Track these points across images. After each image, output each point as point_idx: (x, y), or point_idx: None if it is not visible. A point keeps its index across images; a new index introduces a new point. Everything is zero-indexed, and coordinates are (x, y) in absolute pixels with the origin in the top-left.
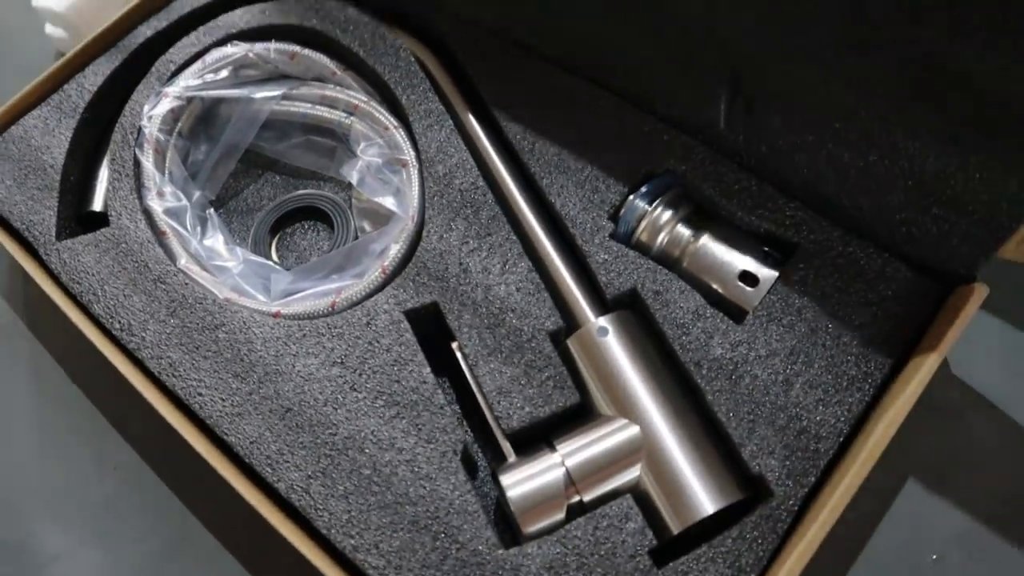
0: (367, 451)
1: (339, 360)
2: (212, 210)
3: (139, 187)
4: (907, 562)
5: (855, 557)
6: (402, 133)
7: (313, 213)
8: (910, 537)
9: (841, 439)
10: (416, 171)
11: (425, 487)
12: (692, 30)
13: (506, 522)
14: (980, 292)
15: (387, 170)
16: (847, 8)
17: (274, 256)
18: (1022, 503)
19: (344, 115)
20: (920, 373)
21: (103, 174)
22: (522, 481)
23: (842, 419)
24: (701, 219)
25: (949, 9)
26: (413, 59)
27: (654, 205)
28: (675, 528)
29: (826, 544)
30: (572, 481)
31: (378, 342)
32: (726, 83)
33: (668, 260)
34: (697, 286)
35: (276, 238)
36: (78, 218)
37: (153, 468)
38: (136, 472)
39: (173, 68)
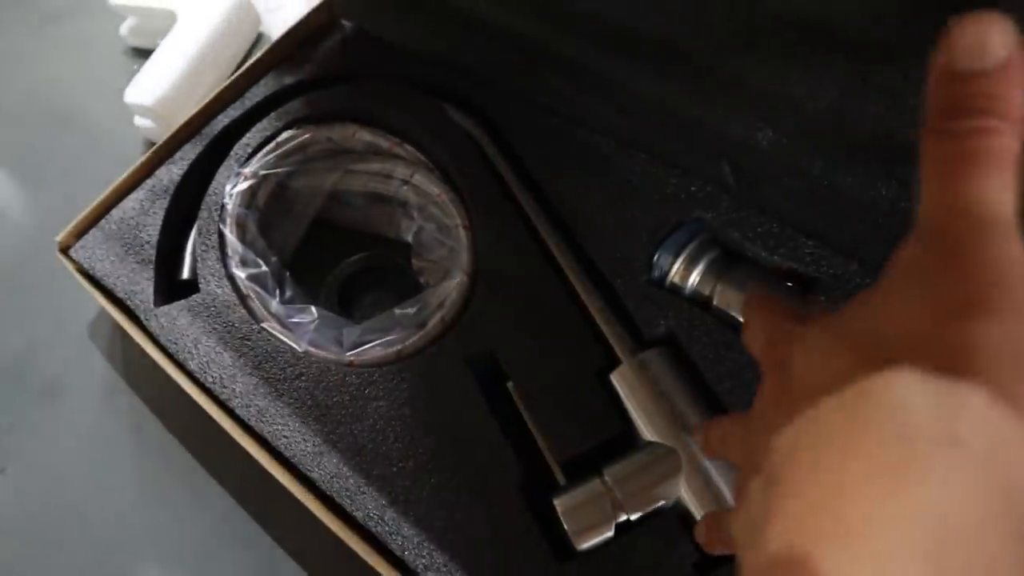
0: (434, 481)
1: (407, 402)
2: (288, 273)
3: (224, 256)
4: None
5: None
6: (453, 197)
7: (378, 272)
8: None
9: None
10: (467, 231)
11: (487, 511)
12: (685, 123)
13: (561, 540)
14: None
15: (441, 231)
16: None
17: (345, 312)
18: None
19: (401, 183)
20: None
21: (192, 246)
22: (574, 504)
23: None
24: (728, 260)
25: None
26: (460, 129)
27: (684, 250)
28: None
29: None
30: (619, 502)
31: (440, 385)
32: (724, 159)
33: (699, 299)
34: (726, 321)
35: (346, 295)
36: (171, 286)
37: (243, 506)
38: (229, 510)
39: (249, 151)
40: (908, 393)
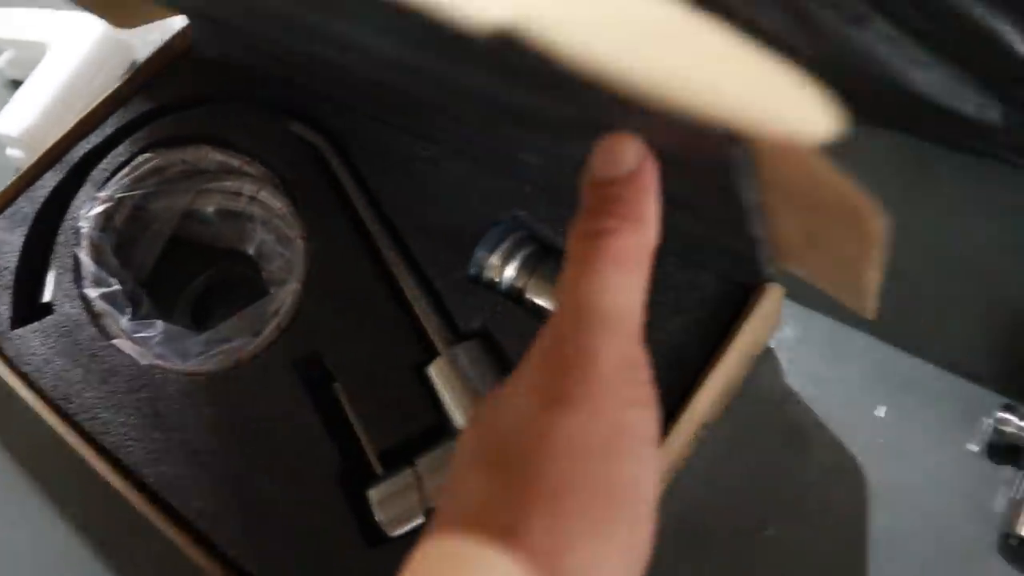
0: (260, 478)
1: (239, 406)
2: (146, 291)
3: (78, 278)
4: (737, 533)
5: (694, 533)
6: (293, 210)
7: (230, 285)
8: (740, 511)
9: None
10: (304, 242)
11: (309, 505)
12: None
13: (376, 528)
14: (772, 292)
15: (281, 242)
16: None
17: (194, 324)
18: (842, 473)
19: (249, 199)
20: (723, 365)
21: (50, 271)
22: (386, 493)
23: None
24: (542, 255)
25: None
26: (304, 145)
27: (499, 247)
28: None
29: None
30: (429, 491)
31: (271, 389)
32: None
33: (514, 293)
34: (537, 312)
35: (200, 309)
36: (29, 310)
37: (95, 514)
38: (84, 519)
39: (106, 175)
40: (476, 482)
